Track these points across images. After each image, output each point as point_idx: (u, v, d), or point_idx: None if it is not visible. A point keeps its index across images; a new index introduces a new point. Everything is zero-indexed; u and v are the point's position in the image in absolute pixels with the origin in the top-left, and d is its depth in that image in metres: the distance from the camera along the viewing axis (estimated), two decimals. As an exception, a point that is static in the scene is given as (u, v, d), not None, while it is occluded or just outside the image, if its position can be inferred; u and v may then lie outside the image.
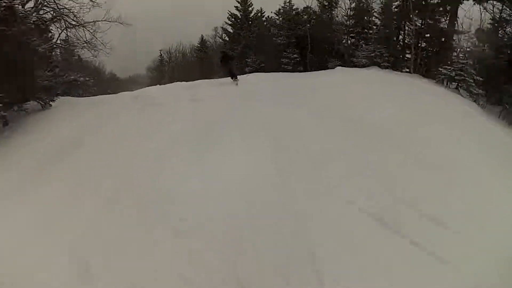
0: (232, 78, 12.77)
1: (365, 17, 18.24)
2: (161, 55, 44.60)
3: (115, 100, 11.51)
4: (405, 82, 11.88)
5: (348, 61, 16.79)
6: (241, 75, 15.18)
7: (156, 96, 11.61)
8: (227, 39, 25.06)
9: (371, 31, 17.81)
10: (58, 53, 21.24)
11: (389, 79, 12.35)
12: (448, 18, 15.44)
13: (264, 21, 22.88)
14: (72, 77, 21.53)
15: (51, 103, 10.85)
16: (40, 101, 10.71)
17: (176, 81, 36.85)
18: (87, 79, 24.52)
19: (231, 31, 24.27)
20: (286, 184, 5.29)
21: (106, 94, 16.84)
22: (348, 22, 18.59)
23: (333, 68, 15.88)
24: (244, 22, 23.05)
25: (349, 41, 18.57)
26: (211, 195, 5.01)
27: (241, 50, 22.22)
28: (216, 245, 4.07)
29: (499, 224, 4.28)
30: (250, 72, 19.56)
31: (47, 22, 11.84)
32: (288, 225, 4.36)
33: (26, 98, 10.15)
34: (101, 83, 40.22)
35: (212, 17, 39.71)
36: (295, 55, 17.98)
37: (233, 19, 23.73)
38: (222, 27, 24.85)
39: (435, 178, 5.55)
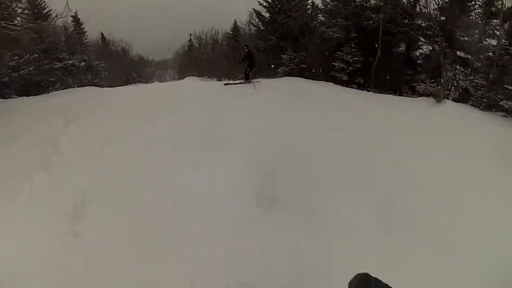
0: (245, 80, 10.28)
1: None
2: (190, 39, 38.69)
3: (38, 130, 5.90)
4: None
5: (450, 82, 9.78)
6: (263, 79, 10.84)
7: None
8: (261, 26, 18.38)
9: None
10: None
11: None
12: None
13: (310, 4, 16.10)
14: (70, 61, 17.27)
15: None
16: None
17: (192, 76, 30.82)
18: (97, 63, 20.32)
19: (266, 16, 17.58)
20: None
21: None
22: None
23: (430, 97, 8.81)
24: (283, 5, 16.31)
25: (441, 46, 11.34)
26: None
27: (275, 42, 15.75)
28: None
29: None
30: (283, 75, 13.30)
31: None
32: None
33: None
34: (126, 66, 35.68)
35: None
36: (355, 58, 11.08)
37: (269, 0, 17.03)
38: (255, 10, 18.12)
39: None
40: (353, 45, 11.30)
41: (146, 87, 13.91)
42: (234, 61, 23.48)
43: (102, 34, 33.54)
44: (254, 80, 10.03)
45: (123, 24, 48.26)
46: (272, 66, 15.17)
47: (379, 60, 10.99)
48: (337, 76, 11.24)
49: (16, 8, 13.66)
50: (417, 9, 12.03)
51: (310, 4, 16.60)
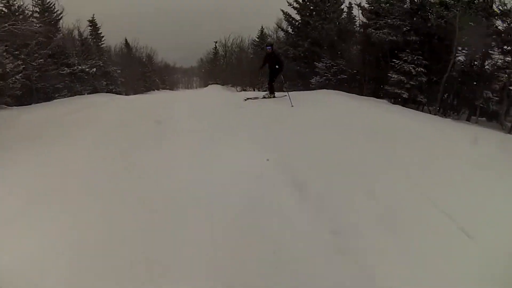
0: (270, 93, 7.63)
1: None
2: (215, 47, 36.77)
3: None
4: None
5: None
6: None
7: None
8: (291, 30, 15.74)
9: None
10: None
11: None
12: None
13: (347, 5, 13.45)
14: (80, 67, 15.83)
15: None
16: None
17: (215, 84, 28.72)
18: (113, 69, 19.07)
19: (297, 18, 14.98)
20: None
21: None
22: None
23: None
24: (318, 5, 13.67)
25: None
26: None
27: (307, 49, 13.18)
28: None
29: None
30: (317, 86, 10.71)
31: None
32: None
33: None
34: (149, 72, 34.28)
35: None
36: (420, 69, 8.10)
37: (300, 1, 14.43)
38: (284, 12, 15.47)
39: None
40: (414, 51, 8.31)
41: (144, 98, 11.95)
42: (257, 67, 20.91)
43: (126, 40, 32.32)
44: (278, 93, 7.49)
45: (152, 33, 47.25)
46: (305, 75, 12.53)
47: (450, 72, 7.98)
48: (391, 91, 8.30)
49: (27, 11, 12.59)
50: (495, 7, 8.97)
51: (347, 5, 13.92)
